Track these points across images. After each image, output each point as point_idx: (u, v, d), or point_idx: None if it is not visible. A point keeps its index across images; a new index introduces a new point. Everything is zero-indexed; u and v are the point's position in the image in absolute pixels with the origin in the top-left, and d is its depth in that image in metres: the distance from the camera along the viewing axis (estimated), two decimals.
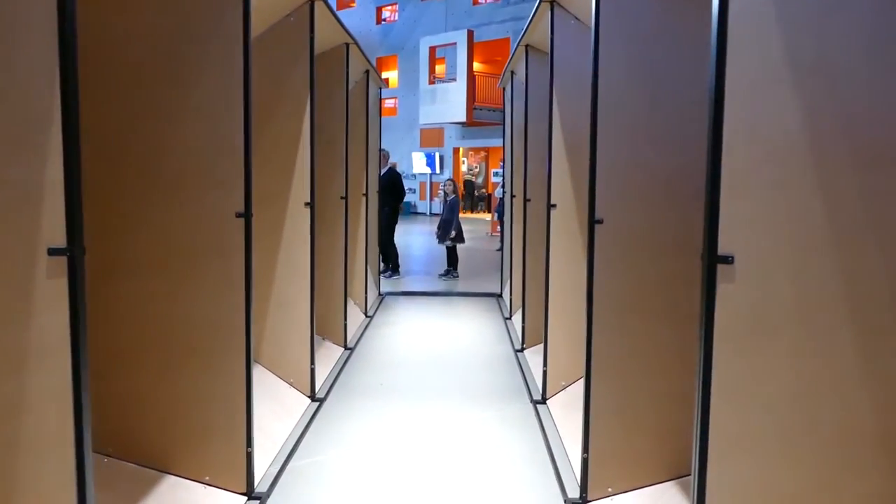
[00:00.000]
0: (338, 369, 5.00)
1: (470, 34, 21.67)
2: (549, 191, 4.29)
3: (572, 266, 4.35)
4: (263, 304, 4.28)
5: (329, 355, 5.25)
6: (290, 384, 4.26)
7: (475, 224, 19.32)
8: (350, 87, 6.08)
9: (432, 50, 22.90)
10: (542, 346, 4.64)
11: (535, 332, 5.50)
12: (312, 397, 4.28)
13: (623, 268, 2.97)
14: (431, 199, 24.06)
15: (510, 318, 6.85)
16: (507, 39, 21.57)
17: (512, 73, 6.84)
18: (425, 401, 4.34)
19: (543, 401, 4.33)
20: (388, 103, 25.94)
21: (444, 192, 9.72)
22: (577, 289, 4.31)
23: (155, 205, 2.90)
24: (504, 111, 8.15)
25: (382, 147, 9.18)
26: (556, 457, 3.48)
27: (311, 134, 4.18)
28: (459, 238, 9.51)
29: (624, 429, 3.02)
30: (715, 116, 1.78)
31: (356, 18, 25.57)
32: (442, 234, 9.53)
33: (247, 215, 2.89)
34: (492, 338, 6.15)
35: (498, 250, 11.60)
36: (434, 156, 24.06)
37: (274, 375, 4.26)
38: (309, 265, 4.25)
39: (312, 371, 4.29)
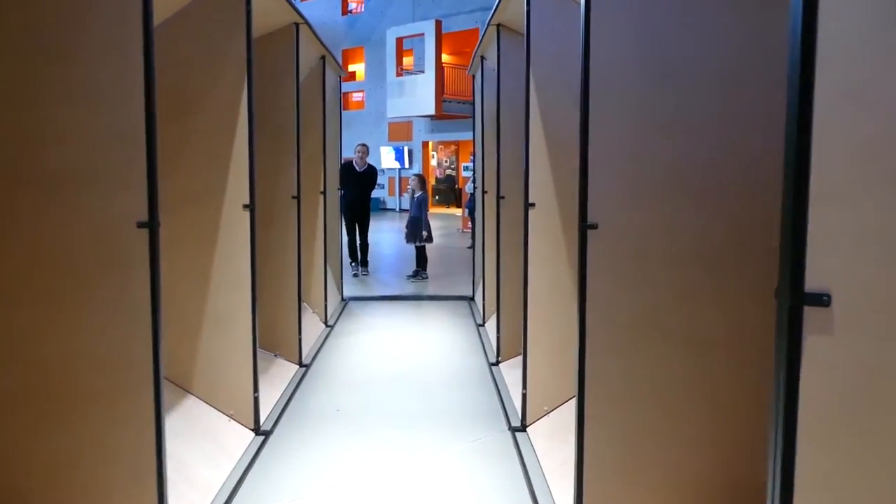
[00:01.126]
0: (290, 392, 4.40)
1: (438, 24, 21.02)
2: (527, 188, 3.74)
3: (554, 273, 3.82)
4: (195, 324, 3.66)
5: (280, 375, 4.65)
6: (230, 416, 3.65)
7: (446, 220, 18.77)
8: (303, 74, 5.46)
9: (399, 41, 22.18)
10: (519, 358, 4.12)
11: (511, 344, 4.97)
12: (257, 430, 3.68)
13: (624, 281, 2.45)
14: (400, 195, 23.41)
15: (483, 325, 6.31)
16: (476, 30, 20.99)
17: (482, 58, 6.27)
18: (389, 430, 3.77)
19: (523, 428, 3.80)
20: (356, 97, 25.20)
21: (412, 189, 9.11)
22: (561, 300, 3.79)
23: (27, 213, 2.27)
24: (474, 101, 7.59)
25: (363, 142, 9.36)
26: (539, 501, 2.96)
27: (250, 126, 3.56)
28: (428, 238, 8.93)
29: (626, 479, 2.50)
30: (802, 86, 1.15)
31: (320, 9, 24.73)
32: (410, 234, 8.93)
33: (152, 224, 2.29)
34: (464, 349, 5.60)
35: (469, 248, 11.08)
36: (403, 150, 23.41)
37: (210, 407, 3.64)
38: (249, 275, 3.63)
39: (256, 399, 3.69)
